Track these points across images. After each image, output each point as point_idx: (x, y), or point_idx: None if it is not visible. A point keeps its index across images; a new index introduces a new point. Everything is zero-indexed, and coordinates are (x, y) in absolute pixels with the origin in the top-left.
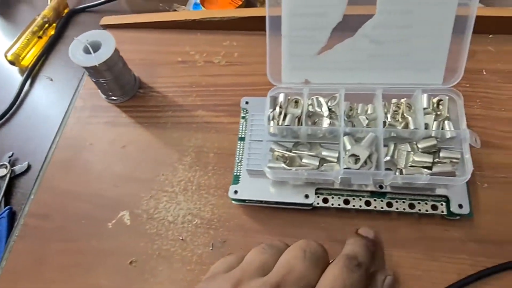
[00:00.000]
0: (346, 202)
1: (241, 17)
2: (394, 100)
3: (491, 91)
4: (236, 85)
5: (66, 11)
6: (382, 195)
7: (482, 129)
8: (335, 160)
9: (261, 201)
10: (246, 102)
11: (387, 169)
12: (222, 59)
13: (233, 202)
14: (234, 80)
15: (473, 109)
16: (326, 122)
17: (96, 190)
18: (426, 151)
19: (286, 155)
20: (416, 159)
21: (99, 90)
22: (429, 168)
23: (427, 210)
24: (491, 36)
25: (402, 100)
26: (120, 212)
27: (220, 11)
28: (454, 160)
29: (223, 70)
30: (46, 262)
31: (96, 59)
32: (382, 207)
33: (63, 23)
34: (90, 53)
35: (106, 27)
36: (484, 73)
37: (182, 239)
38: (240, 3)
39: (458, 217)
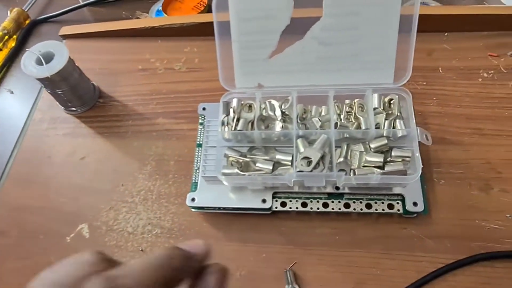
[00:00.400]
0: (304, 205)
1: (201, 23)
2: (347, 101)
3: (447, 88)
4: (197, 91)
5: (27, 22)
6: (339, 196)
7: (439, 126)
8: (289, 163)
9: (219, 208)
10: (204, 108)
11: (340, 170)
12: (182, 65)
13: (192, 210)
14: (194, 86)
15: (430, 107)
16: (278, 126)
17: (54, 203)
18: (378, 150)
19: (240, 160)
20: (368, 159)
21: (57, 102)
22: (381, 167)
23: (383, 210)
24: (446, 34)
25: (355, 100)
26: (79, 225)
27: (180, 17)
28: (406, 159)
29: (183, 77)
30: (0, 282)
31: (48, 70)
32: (339, 208)
33: (24, 35)
34: (43, 64)
35: (66, 37)
36: (440, 70)
37: (141, 250)
38: (203, 8)
39: (415, 215)
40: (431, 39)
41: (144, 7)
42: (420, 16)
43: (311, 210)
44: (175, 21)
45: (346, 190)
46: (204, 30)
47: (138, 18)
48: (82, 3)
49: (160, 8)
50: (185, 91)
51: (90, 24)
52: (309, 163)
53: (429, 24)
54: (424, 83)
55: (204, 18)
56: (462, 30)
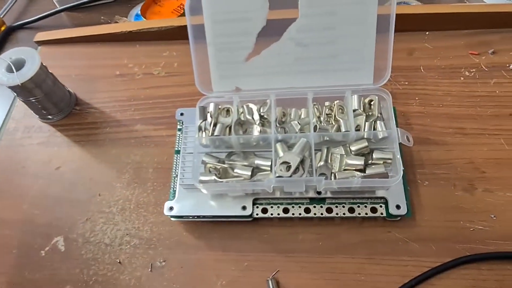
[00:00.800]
0: (286, 210)
1: (180, 26)
2: (327, 103)
3: (429, 88)
4: (176, 96)
5: (3, 28)
6: (321, 201)
7: (422, 126)
8: (269, 168)
9: (198, 216)
10: (181, 114)
11: (321, 174)
12: (161, 70)
13: (172, 219)
14: (173, 91)
15: (413, 107)
16: (256, 130)
17: (28, 216)
18: (359, 153)
19: (218, 166)
20: (349, 162)
21: (31, 110)
22: (362, 170)
23: (366, 213)
24: (427, 33)
25: (335, 102)
26: (54, 238)
27: (158, 21)
28: (387, 161)
29: (162, 82)
30: None
31: (19, 77)
32: (322, 214)
33: (0, 41)
34: (13, 71)
35: (41, 43)
36: (422, 70)
37: (119, 262)
38: (182, 11)
39: (398, 218)
40: (412, 39)
41: (123, 11)
42: (400, 15)
43: (293, 216)
44: (152, 25)
45: (328, 195)
46: (182, 34)
47: (117, 22)
48: (59, 8)
49: (139, 12)
50: (164, 96)
51: (66, 29)
52: (288, 168)
53: (410, 23)
54: (406, 83)
55: (182, 21)
56: (443, 29)
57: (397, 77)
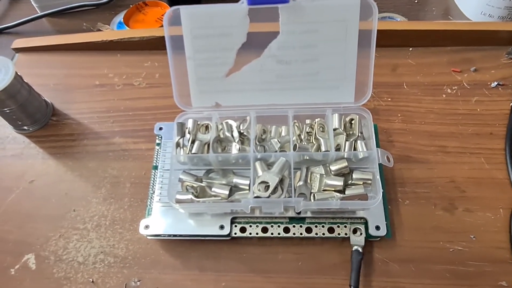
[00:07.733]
0: (265, 230)
1: (162, 36)
2: (308, 121)
3: (411, 105)
4: (156, 108)
5: None
6: (301, 220)
7: (404, 143)
8: (247, 187)
9: (174, 235)
10: (160, 128)
11: (300, 194)
12: (142, 81)
13: (148, 237)
14: (154, 103)
15: (395, 124)
16: (235, 148)
17: None
18: (339, 173)
19: (196, 185)
20: (328, 182)
21: (5, 121)
22: (342, 191)
23: (346, 234)
24: (411, 49)
25: (316, 120)
26: (25, 255)
27: (140, 31)
28: (367, 181)
29: (143, 93)
30: None
31: None
32: (301, 233)
33: None
34: None
35: (19, 50)
36: (405, 86)
37: (92, 282)
38: None
39: (378, 239)
40: (396, 54)
41: (106, 18)
42: (385, 31)
43: (272, 235)
44: (134, 35)
45: (308, 214)
46: (165, 44)
47: (99, 30)
48: (40, 14)
49: (122, 20)
50: (144, 108)
51: (45, 37)
52: (267, 188)
53: (394, 39)
54: (389, 99)
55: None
56: (426, 45)
57: (380, 93)
